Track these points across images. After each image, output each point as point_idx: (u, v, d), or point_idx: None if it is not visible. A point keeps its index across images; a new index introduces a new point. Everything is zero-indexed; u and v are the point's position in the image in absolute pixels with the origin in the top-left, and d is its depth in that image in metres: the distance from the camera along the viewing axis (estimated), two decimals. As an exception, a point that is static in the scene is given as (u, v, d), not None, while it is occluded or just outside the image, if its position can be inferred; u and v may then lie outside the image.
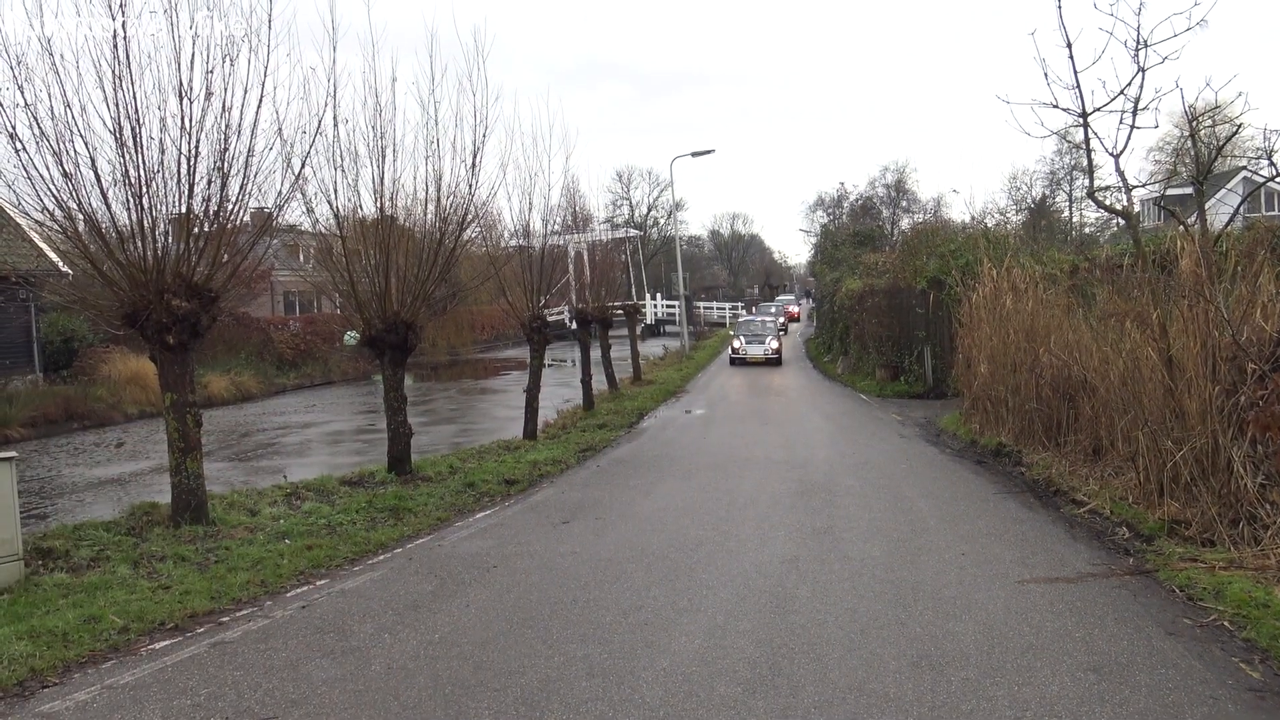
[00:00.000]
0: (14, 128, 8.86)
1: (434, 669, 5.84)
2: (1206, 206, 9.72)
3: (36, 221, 10.14)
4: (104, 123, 9.14)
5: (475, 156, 13.63)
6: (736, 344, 37.01)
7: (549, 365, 31.97)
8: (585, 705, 5.19)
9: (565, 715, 5.07)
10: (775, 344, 36.91)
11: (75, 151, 9.10)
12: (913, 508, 10.34)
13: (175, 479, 9.84)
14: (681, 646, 6.11)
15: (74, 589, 7.70)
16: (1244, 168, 31.50)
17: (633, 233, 56.99)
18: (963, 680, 5.39)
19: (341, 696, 5.45)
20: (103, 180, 9.27)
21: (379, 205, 12.96)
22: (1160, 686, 5.22)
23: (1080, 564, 7.84)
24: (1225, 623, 6.22)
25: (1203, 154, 10.57)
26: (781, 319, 57.31)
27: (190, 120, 9.40)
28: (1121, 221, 12.57)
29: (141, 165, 9.31)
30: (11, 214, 12.93)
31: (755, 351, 36.09)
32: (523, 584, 7.78)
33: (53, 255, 22.43)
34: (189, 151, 9.45)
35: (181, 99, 9.36)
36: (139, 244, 9.57)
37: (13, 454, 8.27)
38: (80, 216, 9.36)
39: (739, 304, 75.39)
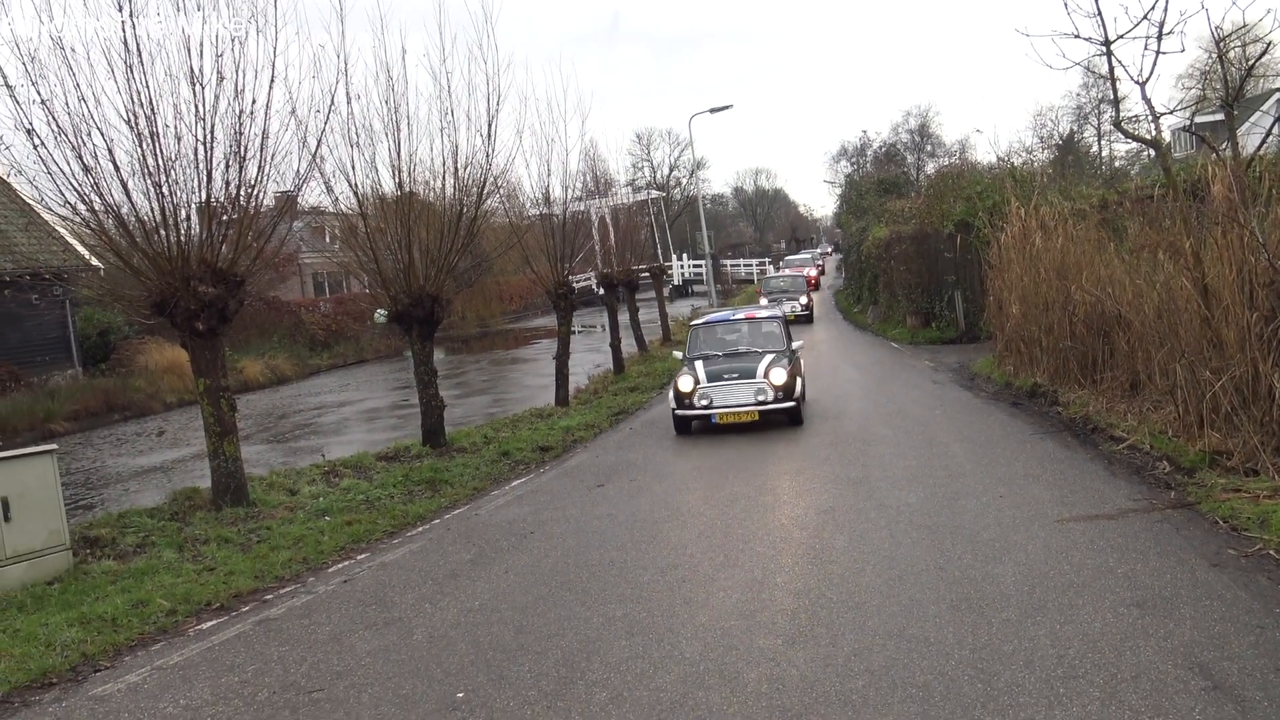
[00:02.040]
0: (31, 124, 8.92)
1: (475, 635, 5.90)
2: (1239, 131, 9.48)
3: (60, 216, 10.23)
4: (119, 113, 9.18)
5: (490, 125, 13.57)
6: (684, 383, 13.18)
7: (578, 331, 31.88)
8: (625, 664, 5.22)
9: (605, 674, 5.10)
10: (781, 374, 12.98)
11: (93, 144, 9.15)
12: (948, 453, 10.26)
13: (214, 463, 9.98)
14: (719, 602, 6.12)
15: (121, 575, 7.85)
16: (1278, 89, 30.70)
17: (655, 194, 56.77)
18: (1003, 621, 5.36)
19: (385, 666, 5.52)
20: (122, 171, 9.33)
21: (397, 180, 12.97)
22: (1205, 618, 5.16)
23: (1120, 500, 7.75)
24: (1271, 551, 6.12)
25: (1232, 76, 10.27)
26: (802, 299, 33.53)
27: (204, 105, 9.41)
28: (1151, 152, 12.27)
29: (159, 153, 9.35)
30: (37, 210, 13.06)
31: (736, 399, 12.82)
32: (560, 548, 7.83)
33: (81, 249, 22.66)
34: (204, 137, 9.48)
35: (193, 85, 9.37)
36: (162, 232, 9.63)
37: (53, 447, 8.41)
38: (102, 208, 9.43)
39: (765, 260, 73.65)
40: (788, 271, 44.73)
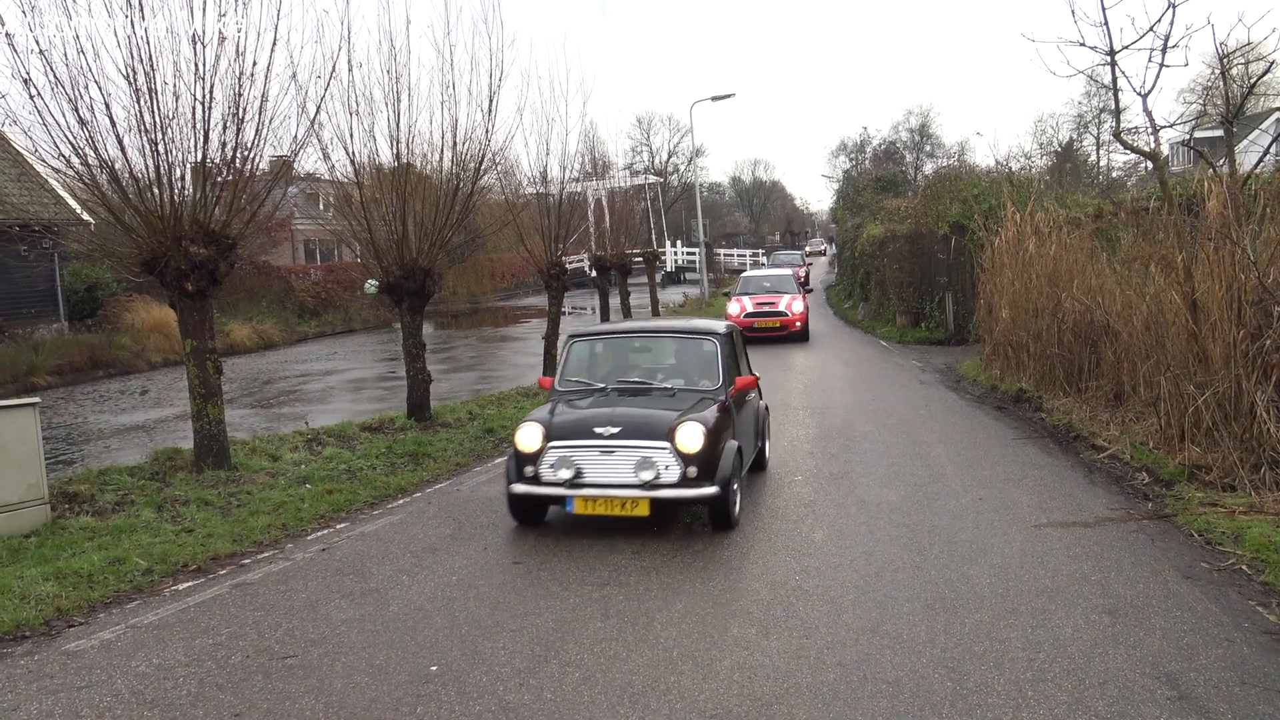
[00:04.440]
0: (28, 73, 8.83)
1: (451, 610, 5.91)
2: (1237, 148, 9.51)
3: (54, 169, 10.13)
4: (118, 68, 9.10)
5: (491, 101, 13.49)
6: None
7: (568, 313, 31.82)
8: (599, 645, 5.25)
9: (579, 654, 5.12)
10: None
11: (90, 97, 9.07)
12: (930, 453, 10.32)
13: (197, 425, 9.95)
14: (696, 589, 6.15)
15: (99, 532, 7.83)
16: (1278, 108, 30.81)
17: (652, 179, 56.55)
18: (976, 622, 5.41)
19: (360, 636, 5.53)
20: (118, 126, 9.25)
21: (395, 151, 12.90)
22: (1175, 629, 5.22)
23: (1098, 509, 7.82)
24: (1243, 566, 6.20)
25: (1233, 93, 10.30)
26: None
27: (204, 65, 9.33)
28: (1149, 164, 12.32)
29: (156, 111, 9.27)
30: (30, 161, 12.94)
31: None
32: (539, 527, 7.84)
33: (73, 203, 22.46)
34: (203, 97, 9.39)
35: (194, 43, 9.29)
36: (156, 191, 9.56)
37: (36, 400, 8.37)
38: (97, 163, 9.36)
39: (759, 251, 73.59)
40: (737, 305, 23.80)
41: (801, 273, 42.55)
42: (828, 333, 28.65)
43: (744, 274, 29.66)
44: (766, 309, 23.36)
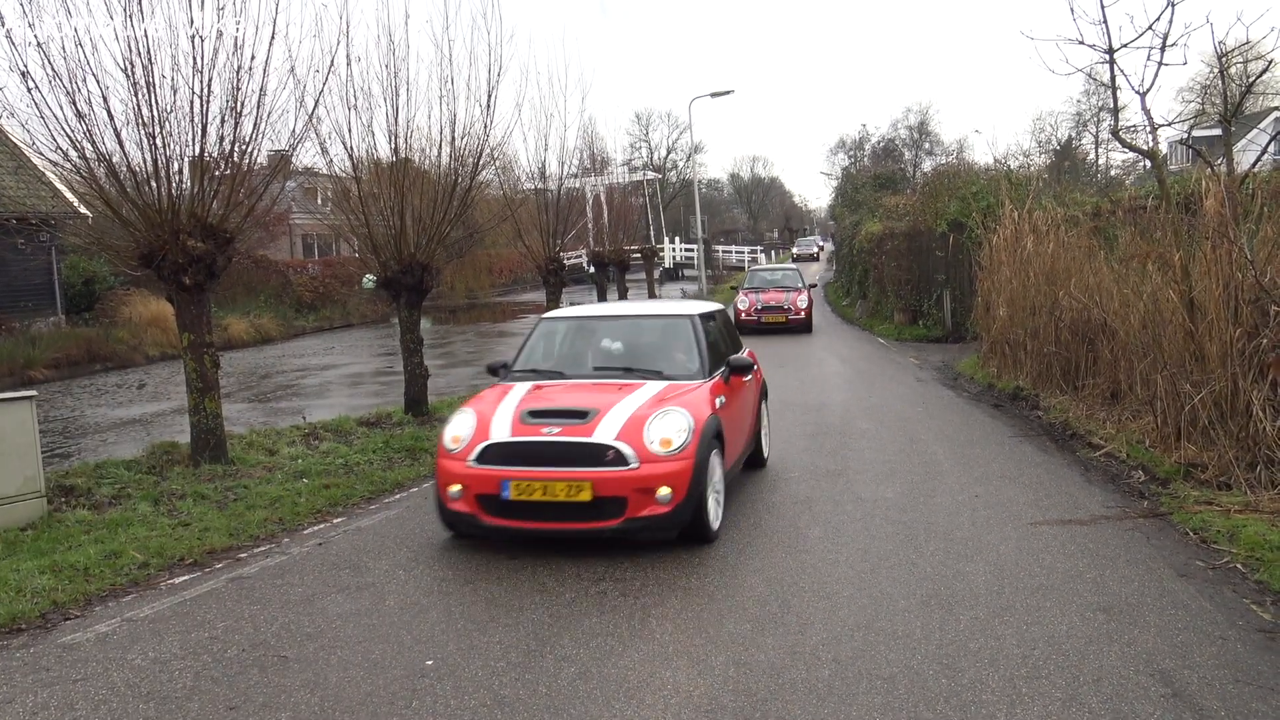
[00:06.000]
0: (26, 66, 8.82)
1: (447, 604, 5.92)
2: (1235, 147, 9.52)
3: (51, 161, 10.13)
4: (115, 61, 9.09)
5: (490, 96, 13.49)
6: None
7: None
8: (595, 640, 5.25)
9: (575, 649, 5.13)
10: None
11: (88, 90, 9.06)
12: (927, 450, 10.33)
13: (194, 419, 9.95)
14: (692, 585, 6.16)
15: (95, 525, 7.83)
16: (1276, 107, 30.83)
17: (651, 175, 56.54)
18: (972, 619, 5.42)
19: (356, 630, 5.54)
20: (116, 120, 9.24)
21: (393, 146, 12.88)
22: (1170, 627, 5.23)
23: (1094, 506, 7.83)
24: (1238, 565, 6.21)
25: (1232, 92, 10.30)
26: None
27: (202, 58, 9.32)
28: (1147, 163, 12.34)
29: (154, 104, 9.26)
30: (28, 154, 12.95)
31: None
32: (536, 523, 7.83)
33: (70, 196, 22.43)
34: (201, 90, 9.38)
35: (193, 38, 9.28)
36: (154, 184, 9.56)
37: (33, 393, 8.36)
38: (94, 156, 9.35)
39: (758, 248, 73.35)
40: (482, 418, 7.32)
41: (801, 303, 25.24)
42: (825, 329, 28.66)
43: (541, 320, 9.03)
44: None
